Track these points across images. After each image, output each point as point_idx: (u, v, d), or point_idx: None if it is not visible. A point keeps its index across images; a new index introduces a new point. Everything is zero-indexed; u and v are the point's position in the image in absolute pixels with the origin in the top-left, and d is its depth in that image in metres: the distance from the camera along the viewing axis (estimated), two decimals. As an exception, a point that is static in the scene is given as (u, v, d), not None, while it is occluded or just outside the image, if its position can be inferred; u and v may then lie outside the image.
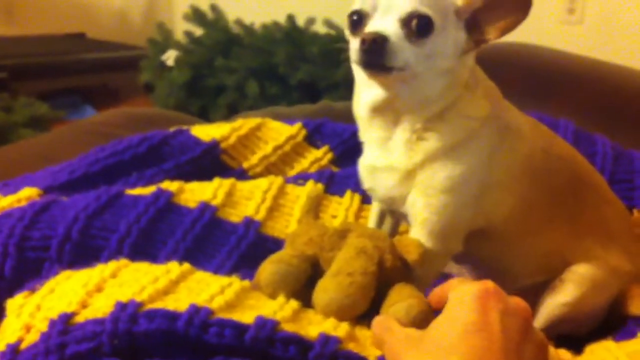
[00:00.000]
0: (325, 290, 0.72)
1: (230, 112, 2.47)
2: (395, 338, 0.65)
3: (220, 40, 2.76)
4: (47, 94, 3.16)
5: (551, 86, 1.35)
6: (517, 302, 0.63)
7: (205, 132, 1.05)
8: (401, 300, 0.73)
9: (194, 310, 0.65)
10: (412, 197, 0.79)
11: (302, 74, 2.51)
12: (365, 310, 0.73)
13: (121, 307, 0.65)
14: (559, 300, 0.84)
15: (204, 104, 2.65)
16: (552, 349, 0.73)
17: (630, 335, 0.77)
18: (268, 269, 0.74)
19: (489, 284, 0.62)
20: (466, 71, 0.77)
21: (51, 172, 0.98)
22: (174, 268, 0.73)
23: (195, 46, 2.77)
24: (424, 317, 0.70)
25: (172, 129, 1.04)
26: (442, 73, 0.76)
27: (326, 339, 0.65)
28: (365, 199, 0.98)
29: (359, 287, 0.72)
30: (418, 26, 0.72)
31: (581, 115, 1.13)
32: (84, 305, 0.67)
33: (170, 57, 2.68)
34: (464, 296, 0.61)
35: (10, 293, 0.75)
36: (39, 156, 1.22)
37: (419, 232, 0.80)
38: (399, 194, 0.80)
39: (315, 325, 0.68)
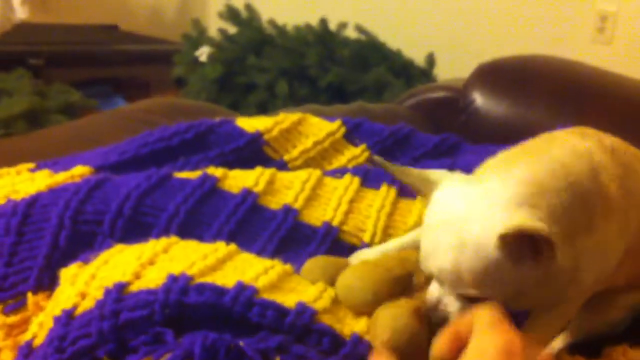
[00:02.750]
0: None
1: (260, 111, 2.51)
2: None
3: (253, 39, 2.81)
4: (80, 82, 3.22)
5: (579, 99, 1.37)
6: (542, 357, 0.59)
7: (249, 123, 1.09)
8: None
9: (241, 287, 0.69)
10: None
11: (332, 76, 2.55)
12: None
13: (173, 279, 0.69)
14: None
15: (234, 101, 2.70)
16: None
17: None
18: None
19: (515, 340, 0.56)
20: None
21: (101, 153, 1.03)
22: (222, 247, 0.77)
23: (229, 43, 2.82)
24: (409, 331, 0.67)
25: (217, 119, 1.08)
26: None
27: (359, 340, 0.68)
28: (402, 192, 1.02)
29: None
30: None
31: (608, 129, 1.15)
32: (138, 277, 0.71)
33: (203, 53, 2.73)
34: (487, 349, 0.56)
35: (64, 263, 0.79)
36: (83, 138, 1.27)
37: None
38: None
39: (350, 324, 0.71)
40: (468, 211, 0.68)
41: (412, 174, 0.75)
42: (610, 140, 0.79)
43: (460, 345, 0.59)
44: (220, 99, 2.66)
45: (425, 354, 0.64)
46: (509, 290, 0.68)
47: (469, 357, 0.56)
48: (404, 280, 0.75)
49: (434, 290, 0.71)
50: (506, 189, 0.68)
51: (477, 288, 0.67)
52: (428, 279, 0.73)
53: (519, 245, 0.65)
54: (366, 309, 0.72)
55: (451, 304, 0.70)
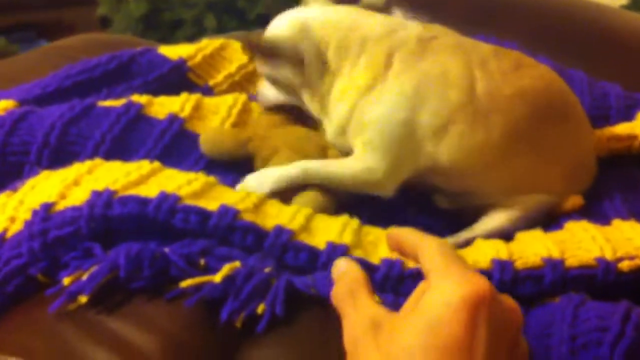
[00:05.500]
0: None
1: (189, 47, 2.48)
2: (360, 317, 0.53)
3: (177, -27, 2.75)
4: (1, 29, 3.12)
5: (491, 12, 1.41)
6: (511, 308, 0.52)
7: (172, 51, 1.10)
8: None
9: (163, 196, 0.72)
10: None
11: (261, 7, 2.53)
12: None
13: (97, 195, 0.72)
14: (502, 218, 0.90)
15: (162, 37, 2.65)
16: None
17: (558, 227, 0.85)
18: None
19: (482, 286, 0.49)
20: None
21: (24, 88, 1.02)
22: (145, 165, 0.80)
23: (153, -22, 2.75)
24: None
25: (140, 48, 1.09)
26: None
27: (280, 231, 0.73)
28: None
29: None
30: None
31: (521, 40, 1.19)
32: (63, 197, 0.74)
33: (127, -12, 2.67)
34: (451, 299, 0.48)
35: (-6, 194, 0.81)
36: (5, 78, 1.25)
37: (360, 149, 0.89)
38: None
39: (272, 218, 0.75)
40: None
41: None
42: (439, 32, 0.93)
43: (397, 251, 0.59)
44: (147, 36, 2.61)
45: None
46: (281, 76, 0.93)
47: (428, 308, 0.49)
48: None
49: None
50: (300, 14, 0.95)
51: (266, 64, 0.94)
52: None
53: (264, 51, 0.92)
54: None
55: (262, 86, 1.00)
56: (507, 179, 0.91)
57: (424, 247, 0.54)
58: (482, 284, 0.49)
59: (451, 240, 0.86)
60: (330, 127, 0.93)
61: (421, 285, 0.53)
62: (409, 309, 0.51)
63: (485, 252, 0.76)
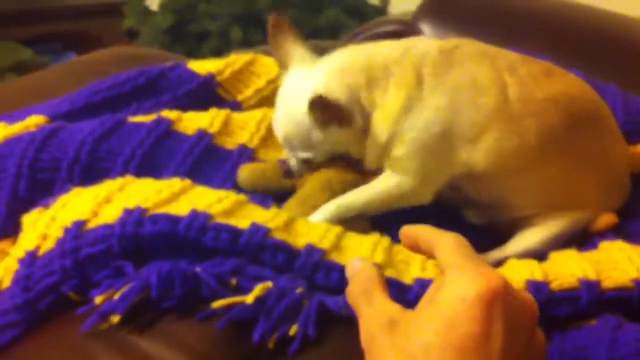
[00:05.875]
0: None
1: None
2: (375, 315, 0.53)
3: (203, -15, 2.76)
4: (28, 40, 3.15)
5: (517, 25, 1.40)
6: (525, 301, 0.51)
7: (201, 66, 1.10)
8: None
9: (194, 214, 0.71)
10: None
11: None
12: None
13: (128, 212, 0.72)
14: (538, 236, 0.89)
15: (188, 50, 2.67)
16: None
17: (592, 247, 0.84)
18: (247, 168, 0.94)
19: (497, 280, 0.49)
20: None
21: (53, 104, 1.03)
22: (176, 182, 0.80)
23: (179, -10, 2.77)
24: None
25: (168, 63, 1.09)
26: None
27: (312, 250, 0.72)
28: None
29: None
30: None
31: (548, 53, 1.18)
32: (95, 214, 0.74)
33: (154, 0, 2.69)
34: (466, 294, 0.48)
35: (26, 210, 0.81)
36: (35, 92, 1.26)
37: (391, 164, 0.89)
38: None
39: (302, 237, 0.74)
40: (291, 91, 0.90)
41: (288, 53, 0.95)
42: (459, 42, 0.91)
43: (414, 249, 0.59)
44: (174, 48, 2.63)
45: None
46: (327, 150, 0.89)
47: (443, 305, 0.49)
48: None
49: (287, 155, 0.94)
50: (317, 73, 0.89)
51: (303, 150, 0.89)
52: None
53: (322, 113, 0.84)
54: None
55: (295, 164, 0.93)
56: (540, 189, 0.90)
57: (440, 243, 0.54)
58: (497, 279, 0.49)
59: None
60: (370, 156, 0.90)
61: (437, 281, 0.53)
62: (425, 305, 0.51)
63: (519, 272, 0.74)
